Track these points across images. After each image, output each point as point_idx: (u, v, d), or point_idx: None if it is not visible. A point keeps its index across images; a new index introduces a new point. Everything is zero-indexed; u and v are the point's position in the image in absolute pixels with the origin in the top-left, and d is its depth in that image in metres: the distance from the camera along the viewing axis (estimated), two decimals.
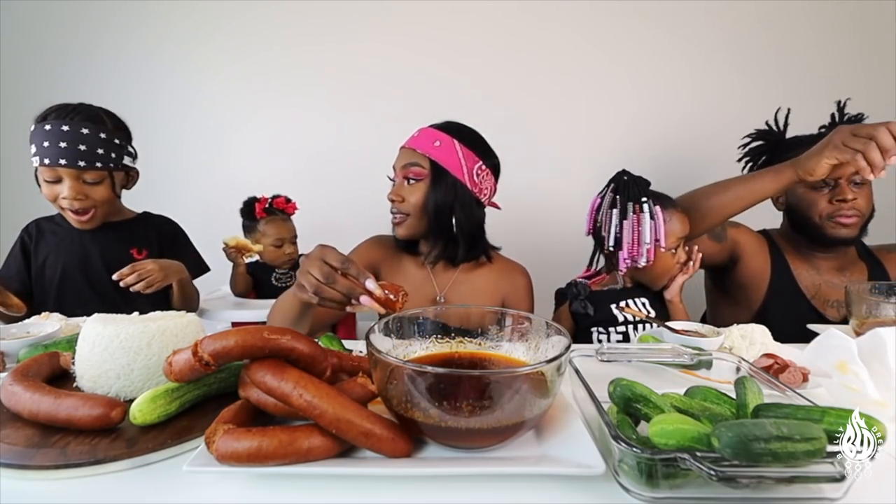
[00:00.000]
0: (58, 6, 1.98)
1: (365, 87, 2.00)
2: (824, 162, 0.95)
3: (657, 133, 1.99)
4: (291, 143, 2.06)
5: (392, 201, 1.07)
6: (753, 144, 1.36)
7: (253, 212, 1.71)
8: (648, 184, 1.15)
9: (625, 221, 1.11)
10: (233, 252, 1.61)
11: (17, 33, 1.99)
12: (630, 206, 1.11)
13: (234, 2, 1.97)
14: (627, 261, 1.11)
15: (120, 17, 1.98)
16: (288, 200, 1.76)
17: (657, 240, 1.09)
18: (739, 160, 1.38)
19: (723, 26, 1.93)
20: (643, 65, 1.96)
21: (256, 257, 1.70)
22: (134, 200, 1.35)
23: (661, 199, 1.13)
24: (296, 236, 1.77)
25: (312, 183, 2.02)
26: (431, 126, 1.08)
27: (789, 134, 1.32)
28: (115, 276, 1.13)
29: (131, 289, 1.14)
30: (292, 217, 1.78)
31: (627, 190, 1.12)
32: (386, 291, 0.64)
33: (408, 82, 1.99)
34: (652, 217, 1.09)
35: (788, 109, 1.32)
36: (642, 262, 1.10)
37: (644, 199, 1.10)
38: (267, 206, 1.71)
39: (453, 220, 1.05)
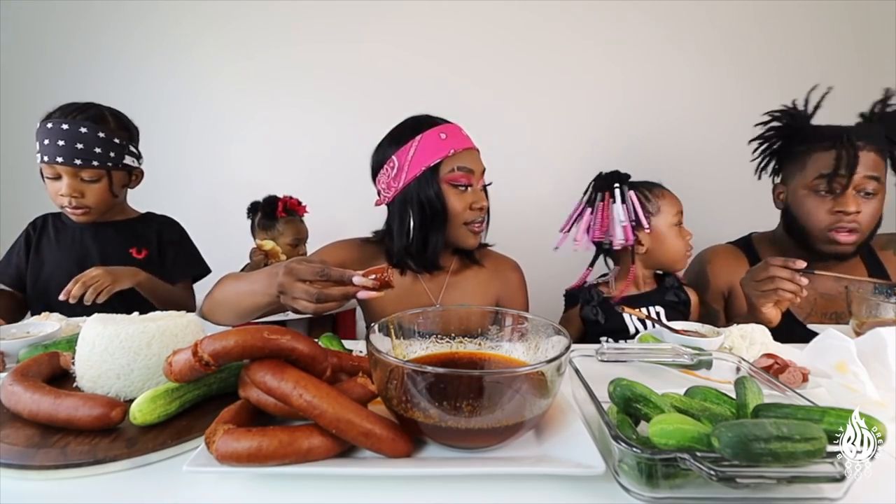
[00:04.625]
0: (58, 6, 1.98)
1: (366, 88, 2.01)
2: (766, 310, 0.96)
3: (651, 131, 1.99)
4: (293, 144, 2.06)
5: (481, 210, 1.02)
6: (774, 125, 1.21)
7: (275, 210, 1.71)
8: (627, 176, 1.18)
9: (590, 208, 1.18)
10: (262, 257, 1.60)
11: (17, 33, 1.99)
12: (598, 195, 1.16)
13: (235, 2, 1.97)
14: (622, 241, 1.13)
15: (120, 16, 1.99)
16: (299, 203, 1.78)
17: (633, 220, 1.12)
18: (751, 142, 1.25)
19: (719, 24, 1.93)
20: (638, 63, 1.96)
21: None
22: (135, 200, 1.35)
23: (645, 185, 1.18)
24: (307, 238, 1.79)
25: (313, 183, 2.02)
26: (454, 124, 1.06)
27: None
28: (61, 296, 1.01)
29: (84, 300, 1.02)
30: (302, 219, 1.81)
31: (599, 182, 1.18)
32: (373, 276, 0.65)
33: (406, 83, 1.99)
34: (623, 201, 1.13)
35: (828, 88, 1.14)
36: (619, 241, 1.13)
37: (616, 185, 1.14)
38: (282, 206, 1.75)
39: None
